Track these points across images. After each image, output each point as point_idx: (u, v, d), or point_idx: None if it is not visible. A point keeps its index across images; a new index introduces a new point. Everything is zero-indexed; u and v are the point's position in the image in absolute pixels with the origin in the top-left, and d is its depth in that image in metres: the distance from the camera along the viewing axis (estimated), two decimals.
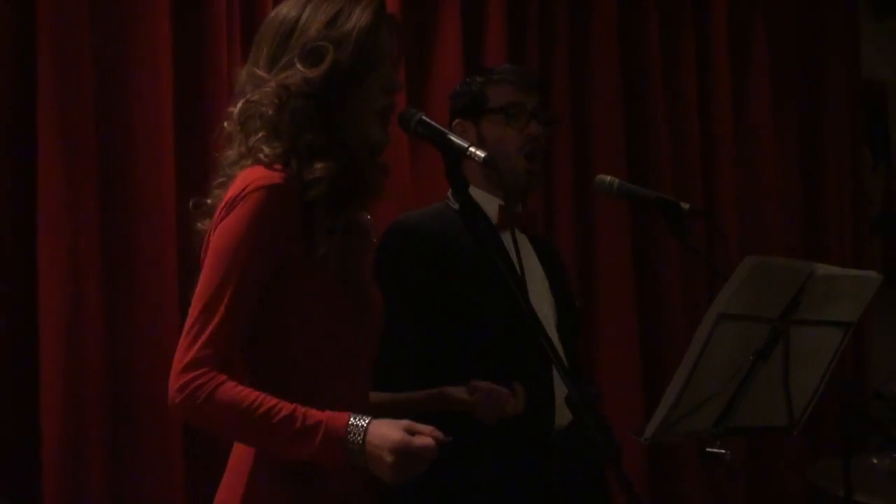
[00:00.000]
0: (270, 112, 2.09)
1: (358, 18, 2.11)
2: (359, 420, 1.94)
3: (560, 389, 2.71)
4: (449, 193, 2.87)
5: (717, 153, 4.67)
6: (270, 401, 1.95)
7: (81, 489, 3.03)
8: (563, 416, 2.77)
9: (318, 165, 2.06)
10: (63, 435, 3.00)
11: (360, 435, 1.93)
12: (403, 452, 1.91)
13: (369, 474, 2.01)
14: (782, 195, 4.88)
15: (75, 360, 3.04)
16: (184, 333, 1.99)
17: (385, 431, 1.93)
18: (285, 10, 2.16)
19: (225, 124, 2.17)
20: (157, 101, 3.24)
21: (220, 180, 2.15)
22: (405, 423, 1.95)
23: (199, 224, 2.16)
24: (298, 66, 2.09)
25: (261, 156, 2.07)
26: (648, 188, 3.14)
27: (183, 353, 1.96)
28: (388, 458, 1.91)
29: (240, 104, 2.13)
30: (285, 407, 1.94)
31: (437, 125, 2.16)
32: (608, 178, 2.89)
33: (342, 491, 2.10)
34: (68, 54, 3.09)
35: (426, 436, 1.94)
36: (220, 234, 2.03)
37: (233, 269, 1.99)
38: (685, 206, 2.79)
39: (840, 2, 5.21)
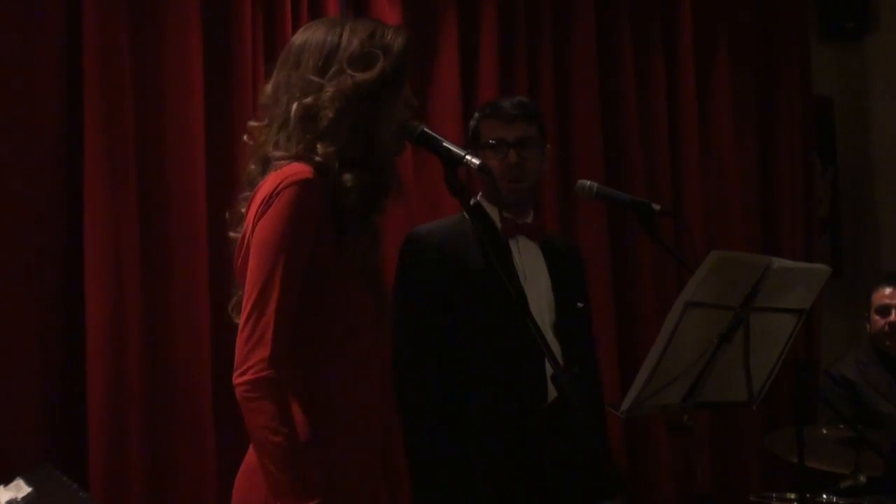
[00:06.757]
0: (331, 115, 1.96)
1: (395, 38, 2.04)
2: None
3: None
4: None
5: (684, 159, 4.65)
6: (292, 436, 1.85)
7: (122, 464, 3.01)
8: (552, 392, 2.77)
9: (348, 176, 1.97)
10: (106, 409, 2.98)
11: None
12: None
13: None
14: (742, 196, 4.86)
15: (117, 341, 3.03)
16: (241, 322, 1.90)
17: None
18: (321, 34, 2.04)
19: (245, 137, 2.09)
20: (189, 115, 3.23)
21: (245, 194, 2.04)
22: None
23: (232, 233, 2.06)
24: (349, 71, 1.97)
25: (315, 157, 1.96)
26: (623, 191, 3.13)
27: (241, 346, 1.88)
28: None
29: (294, 106, 1.98)
30: (301, 451, 1.85)
31: (437, 136, 2.09)
32: (588, 182, 2.88)
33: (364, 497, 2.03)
34: (111, 77, 3.08)
35: None
36: (261, 228, 1.93)
37: (278, 261, 1.89)
38: (656, 206, 2.78)
39: (793, 27, 5.19)
